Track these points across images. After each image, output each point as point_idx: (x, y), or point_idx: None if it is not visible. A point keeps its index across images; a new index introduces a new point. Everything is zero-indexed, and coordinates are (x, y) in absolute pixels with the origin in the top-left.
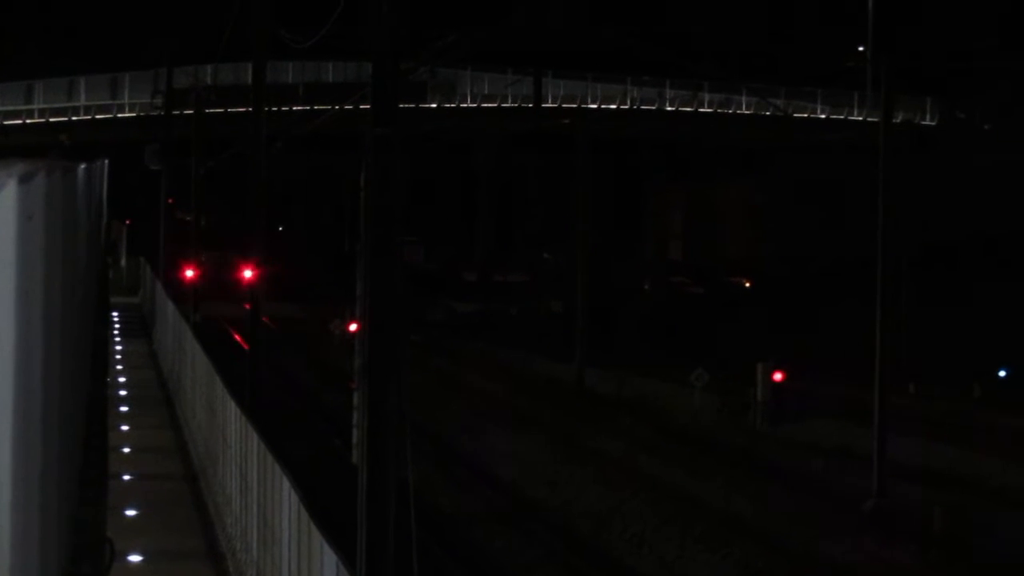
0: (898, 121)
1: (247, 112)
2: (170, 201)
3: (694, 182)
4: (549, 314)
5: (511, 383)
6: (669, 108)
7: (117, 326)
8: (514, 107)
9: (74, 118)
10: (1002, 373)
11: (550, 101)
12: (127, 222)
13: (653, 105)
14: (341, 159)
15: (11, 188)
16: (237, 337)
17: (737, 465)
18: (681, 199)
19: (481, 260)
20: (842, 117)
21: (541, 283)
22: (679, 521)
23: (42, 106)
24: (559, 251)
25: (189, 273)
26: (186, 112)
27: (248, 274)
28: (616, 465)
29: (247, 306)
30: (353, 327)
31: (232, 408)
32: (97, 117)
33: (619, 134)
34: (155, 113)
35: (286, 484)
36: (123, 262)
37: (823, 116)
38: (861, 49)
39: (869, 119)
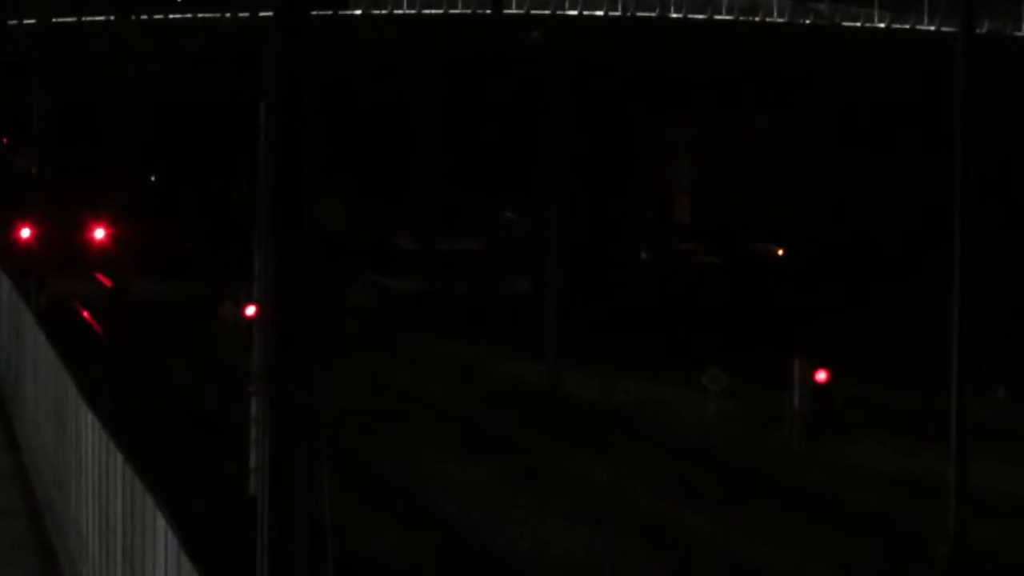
0: (983, 32)
1: (107, 22)
2: (3, 142)
3: (706, 118)
4: (513, 294)
5: (464, 387)
6: (675, 15)
7: None
8: (466, 14)
9: None
10: None
11: (514, 7)
12: None
13: (653, 11)
14: (235, 86)
15: None
16: (95, 325)
17: (764, 496)
18: (689, 141)
19: (422, 223)
20: (906, 27)
21: (500, 254)
22: (689, 569)
23: None
24: (525, 211)
25: (25, 233)
26: (25, 21)
27: (99, 234)
28: (604, 497)
29: (106, 282)
30: (251, 311)
31: (88, 420)
32: None
33: (606, 52)
34: None
35: (162, 522)
36: None
37: (881, 26)
38: None
39: (943, 29)
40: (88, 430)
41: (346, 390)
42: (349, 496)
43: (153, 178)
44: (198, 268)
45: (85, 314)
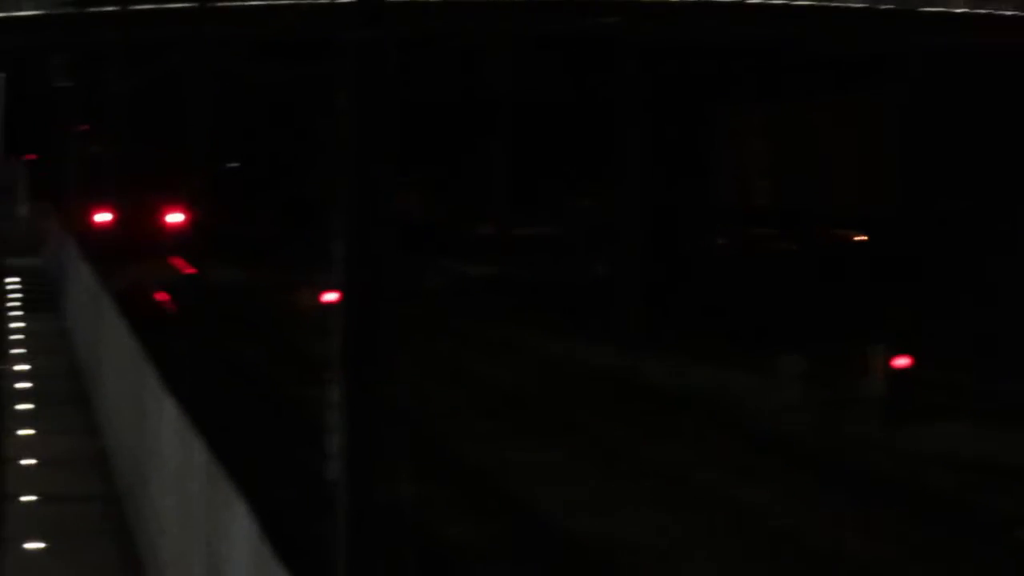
0: None
1: (187, 9)
2: (83, 129)
3: (784, 102)
4: (590, 280)
5: (539, 372)
6: (751, 0)
7: (15, 297)
8: (543, 0)
9: None
10: None
11: None
12: (27, 158)
13: None
14: (314, 73)
15: None
16: (171, 309)
17: (842, 483)
18: (766, 125)
19: (498, 209)
20: (986, 11)
21: (577, 239)
22: (766, 558)
23: None
24: (601, 197)
25: (100, 218)
26: (105, 8)
27: (176, 218)
28: (681, 483)
29: (182, 266)
30: (329, 298)
31: (168, 408)
32: None
33: (682, 36)
34: (63, 11)
35: (240, 509)
36: (22, 211)
37: (958, 11)
38: None
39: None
40: (167, 415)
41: (422, 375)
42: (426, 481)
43: (230, 164)
44: (276, 254)
45: (162, 298)
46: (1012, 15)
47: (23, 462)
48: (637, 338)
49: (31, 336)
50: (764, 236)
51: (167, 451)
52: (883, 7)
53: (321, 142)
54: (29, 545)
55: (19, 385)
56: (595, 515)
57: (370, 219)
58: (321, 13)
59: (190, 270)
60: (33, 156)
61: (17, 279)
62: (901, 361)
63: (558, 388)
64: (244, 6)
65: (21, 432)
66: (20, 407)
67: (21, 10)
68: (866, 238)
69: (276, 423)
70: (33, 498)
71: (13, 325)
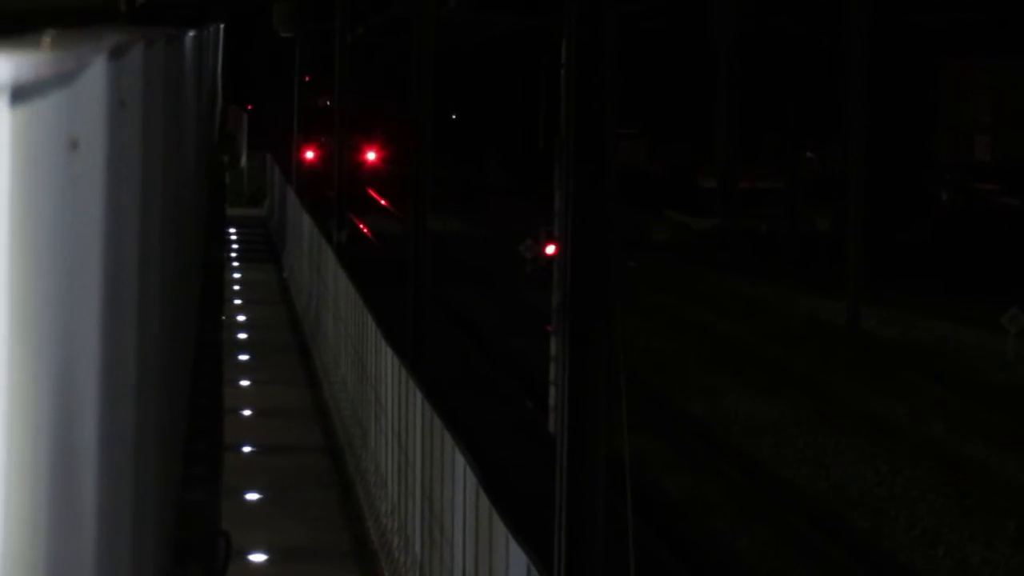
0: None
1: None
2: (306, 80)
3: (1008, 55)
4: (813, 233)
5: (762, 325)
6: None
7: (235, 247)
8: None
9: None
10: None
11: None
12: (249, 108)
13: None
14: (537, 23)
15: (99, 66)
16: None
17: None
18: (990, 79)
19: (723, 161)
20: None
21: (801, 192)
22: (983, 513)
23: None
24: (825, 151)
25: (309, 155)
26: None
27: (371, 156)
28: (901, 437)
29: (376, 197)
30: (551, 250)
31: (389, 358)
32: None
33: None
34: None
35: (460, 460)
36: (243, 162)
37: None
38: None
39: None
40: (388, 367)
41: (643, 329)
42: (646, 434)
43: (454, 116)
44: (495, 205)
45: (370, 234)
46: None
47: (244, 413)
48: (861, 291)
49: (250, 287)
50: (987, 191)
51: (387, 402)
52: None
53: (549, 94)
54: (250, 495)
55: (239, 336)
56: (816, 467)
57: (593, 171)
58: None
59: (384, 202)
60: (252, 107)
61: (238, 229)
62: None
63: (781, 340)
64: None
65: (242, 383)
66: (240, 359)
67: None
68: None
69: (492, 373)
70: (253, 449)
71: (235, 276)
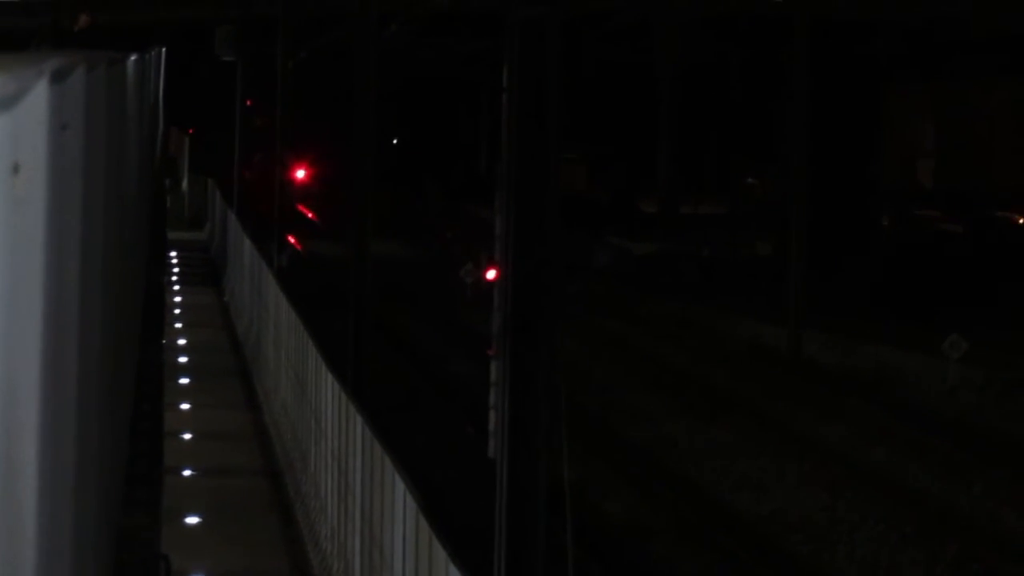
0: None
1: None
2: (248, 104)
3: (949, 82)
4: (754, 258)
5: (703, 349)
6: None
7: (176, 270)
8: None
9: None
10: None
11: None
12: (190, 132)
13: None
14: (477, 50)
15: (41, 90)
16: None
17: (1008, 464)
18: (932, 105)
19: (664, 186)
20: None
21: (743, 217)
22: (924, 538)
23: None
24: (767, 175)
25: (245, 174)
26: None
27: (300, 174)
28: (842, 463)
29: (304, 211)
30: (492, 274)
31: (329, 382)
32: None
33: (849, 16)
34: None
35: (400, 485)
36: (185, 185)
37: None
38: None
39: None
40: (328, 391)
41: (584, 352)
42: (586, 458)
43: (395, 141)
44: (433, 229)
45: (301, 247)
46: None
47: (184, 436)
48: (803, 317)
49: (191, 310)
50: (928, 217)
51: (327, 426)
52: None
53: (489, 119)
54: (190, 519)
55: (179, 359)
56: (758, 492)
57: (534, 195)
58: None
59: (312, 216)
60: (193, 131)
61: (180, 252)
62: None
63: (722, 365)
64: None
65: (183, 406)
66: (180, 382)
67: None
68: None
69: (431, 397)
70: (193, 472)
71: (176, 299)
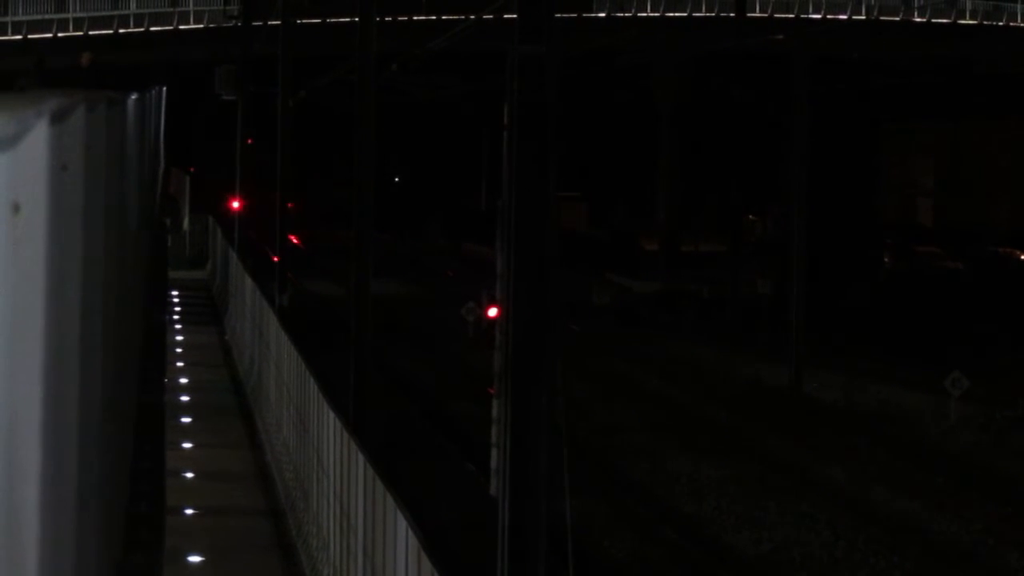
0: None
1: (352, 23)
2: (248, 142)
3: (949, 121)
4: (755, 296)
5: (704, 388)
6: (918, 19)
7: (178, 310)
8: (710, 17)
9: (121, 31)
10: None
11: (757, 10)
12: (191, 171)
13: (896, 15)
14: (478, 87)
15: (41, 129)
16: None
17: (1010, 503)
18: (931, 143)
19: (665, 225)
20: None
21: (744, 256)
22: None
23: (79, 15)
24: (768, 214)
25: (235, 204)
26: (270, 23)
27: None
28: (844, 501)
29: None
30: (493, 312)
31: (331, 421)
32: (152, 30)
33: (849, 55)
34: (228, 24)
35: (402, 523)
36: (186, 224)
37: None
38: None
39: None
40: (330, 430)
41: (585, 391)
42: (588, 496)
43: (397, 179)
44: (439, 268)
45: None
46: None
47: (186, 475)
48: (803, 355)
49: (192, 350)
50: (928, 254)
51: (329, 465)
52: None
53: (488, 156)
54: (192, 558)
55: (181, 399)
56: (758, 530)
57: (534, 234)
58: (486, 29)
59: (296, 240)
60: (194, 170)
61: (181, 292)
62: None
63: (724, 404)
64: (411, 21)
65: (184, 446)
66: (182, 421)
67: (186, 23)
68: None
69: (434, 436)
70: (194, 512)
71: (178, 338)
